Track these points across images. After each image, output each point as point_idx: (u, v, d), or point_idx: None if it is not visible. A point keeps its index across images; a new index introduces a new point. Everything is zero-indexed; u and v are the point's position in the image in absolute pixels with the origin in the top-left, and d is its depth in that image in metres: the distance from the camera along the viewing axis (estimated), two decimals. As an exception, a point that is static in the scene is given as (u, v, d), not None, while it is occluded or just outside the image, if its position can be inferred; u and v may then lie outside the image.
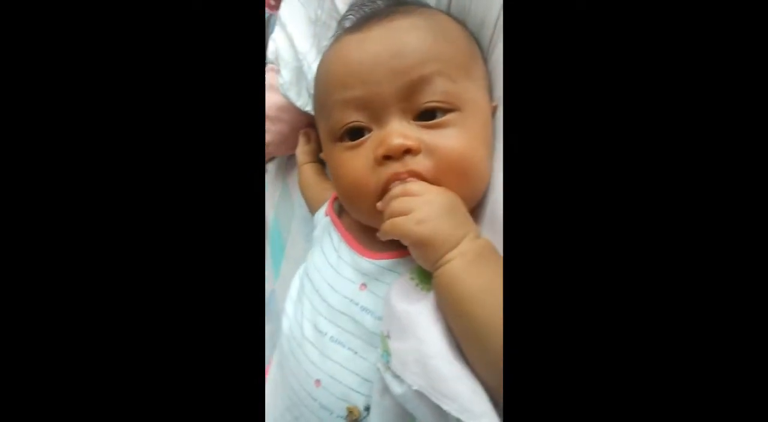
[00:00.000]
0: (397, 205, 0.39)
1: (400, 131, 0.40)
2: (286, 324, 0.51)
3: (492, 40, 0.47)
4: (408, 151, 0.39)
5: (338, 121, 0.43)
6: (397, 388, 0.36)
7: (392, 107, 0.40)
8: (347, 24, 0.50)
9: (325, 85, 0.45)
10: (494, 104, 0.45)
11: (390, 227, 0.38)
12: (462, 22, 0.49)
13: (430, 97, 0.40)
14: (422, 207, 0.37)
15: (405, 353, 0.36)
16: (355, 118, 0.42)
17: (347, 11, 0.52)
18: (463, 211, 0.39)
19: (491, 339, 0.33)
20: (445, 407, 0.33)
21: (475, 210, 0.44)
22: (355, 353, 0.42)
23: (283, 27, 0.66)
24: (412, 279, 0.40)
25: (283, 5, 0.67)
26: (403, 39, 0.41)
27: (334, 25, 0.60)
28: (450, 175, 0.40)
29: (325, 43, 0.60)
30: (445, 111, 0.41)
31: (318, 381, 0.44)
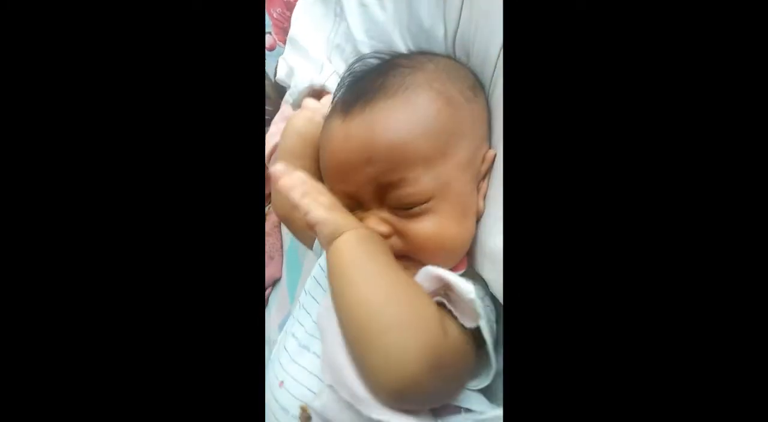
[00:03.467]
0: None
1: (375, 219, 0.45)
2: (281, 337, 0.54)
3: (493, 79, 0.49)
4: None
5: None
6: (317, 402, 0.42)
7: (370, 202, 0.46)
8: (347, 82, 0.52)
9: (322, 168, 0.50)
10: (493, 152, 0.47)
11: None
12: (463, 66, 0.51)
13: (399, 199, 0.44)
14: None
15: (323, 354, 0.42)
16: (344, 202, 0.46)
17: (347, 70, 0.54)
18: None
19: (346, 314, 0.39)
20: (342, 394, 0.39)
21: (474, 250, 0.47)
22: (318, 356, 0.46)
23: (295, 44, 0.66)
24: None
25: (292, 28, 0.69)
26: (376, 139, 0.44)
27: (349, 49, 0.62)
28: (420, 254, 0.45)
29: (341, 65, 0.62)
30: (419, 203, 0.44)
31: (281, 383, 0.47)
